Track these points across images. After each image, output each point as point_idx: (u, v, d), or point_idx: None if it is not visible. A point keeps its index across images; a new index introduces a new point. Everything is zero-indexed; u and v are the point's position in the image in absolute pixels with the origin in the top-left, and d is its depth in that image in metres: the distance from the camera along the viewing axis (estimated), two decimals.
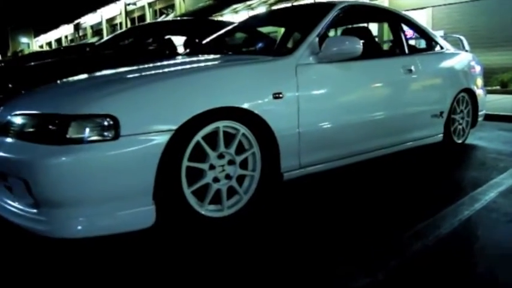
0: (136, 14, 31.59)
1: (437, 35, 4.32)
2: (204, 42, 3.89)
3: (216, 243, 2.09)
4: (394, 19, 3.71)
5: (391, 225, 2.28)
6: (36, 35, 52.10)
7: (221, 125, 2.26)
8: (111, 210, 1.98)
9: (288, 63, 2.59)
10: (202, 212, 2.23)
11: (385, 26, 10.61)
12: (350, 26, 3.83)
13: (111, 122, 1.93)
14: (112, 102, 1.98)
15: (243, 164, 2.41)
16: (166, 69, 2.35)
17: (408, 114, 3.38)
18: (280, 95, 2.46)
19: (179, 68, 2.42)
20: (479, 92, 4.46)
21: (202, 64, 2.48)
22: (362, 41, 2.74)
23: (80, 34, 41.80)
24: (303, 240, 2.11)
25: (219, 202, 2.33)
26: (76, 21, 41.03)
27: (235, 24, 4.06)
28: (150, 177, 2.01)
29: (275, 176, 2.56)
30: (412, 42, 5.66)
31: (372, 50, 3.48)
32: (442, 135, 3.94)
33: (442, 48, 4.14)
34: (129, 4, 30.99)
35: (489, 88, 10.04)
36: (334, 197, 2.78)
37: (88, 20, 39.06)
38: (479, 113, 4.49)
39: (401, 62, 3.39)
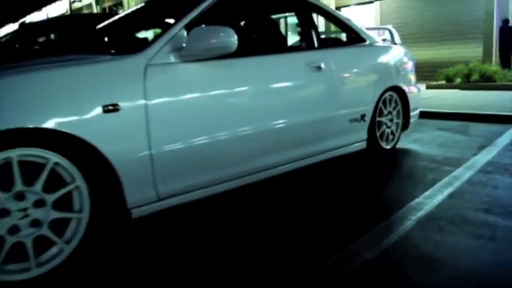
0: (84, 12, 30.13)
1: (362, 26, 3.77)
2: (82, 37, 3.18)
3: None
4: (302, 7, 3.09)
5: None
6: None
7: (14, 154, 1.58)
8: None
9: (131, 64, 1.92)
10: None
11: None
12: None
13: None
14: None
15: (67, 204, 1.75)
16: None
17: (315, 121, 2.79)
18: (115, 107, 1.80)
19: None
20: (411, 89, 3.94)
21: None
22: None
23: None
24: None
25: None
26: (21, 20, 38.96)
27: (119, 16, 3.35)
28: None
29: (118, 214, 1.91)
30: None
31: (269, 45, 2.87)
32: (365, 141, 3.38)
33: (365, 41, 3.58)
34: (74, 1, 29.55)
35: (435, 83, 9.77)
36: (204, 231, 2.16)
37: (34, 19, 37.12)
38: (412, 114, 3.96)
39: (305, 57, 2.78)
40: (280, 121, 2.52)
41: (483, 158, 3.46)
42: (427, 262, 1.76)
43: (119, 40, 2.77)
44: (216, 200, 2.42)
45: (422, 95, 5.40)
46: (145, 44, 2.05)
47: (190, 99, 2.08)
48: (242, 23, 2.94)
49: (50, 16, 33.63)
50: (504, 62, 10.68)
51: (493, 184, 2.76)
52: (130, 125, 1.85)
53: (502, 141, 4.02)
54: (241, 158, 2.34)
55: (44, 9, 34.23)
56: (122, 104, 1.82)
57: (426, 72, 11.44)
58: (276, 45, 2.93)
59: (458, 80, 9.37)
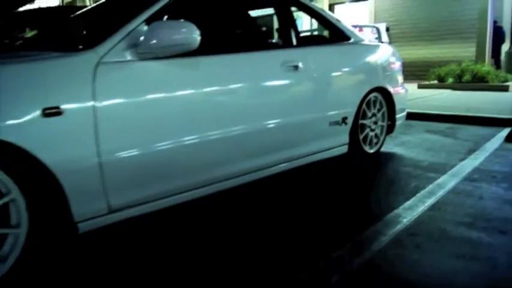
0: (77, 5, 29.81)
1: (346, 23, 3.59)
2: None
3: None
4: (279, 2, 2.90)
5: None
6: None
7: None
8: None
9: (79, 63, 1.74)
10: None
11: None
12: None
13: None
14: None
15: (3, 218, 1.57)
16: None
17: (289, 125, 2.62)
18: (57, 111, 1.62)
19: None
20: (398, 90, 3.76)
21: None
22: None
23: None
24: None
25: None
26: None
27: (83, 10, 3.10)
28: None
29: (63, 229, 1.73)
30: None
31: (240, 42, 2.68)
32: (346, 145, 3.21)
33: (349, 39, 3.40)
34: None
35: (426, 82, 9.65)
36: (151, 248, 1.99)
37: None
38: (397, 116, 3.79)
39: (281, 56, 2.60)
40: (250, 125, 2.35)
41: (470, 164, 3.30)
42: (400, 286, 1.60)
43: (75, 35, 2.58)
44: (174, 209, 2.25)
45: (412, 95, 5.28)
46: (98, 39, 1.86)
47: (147, 102, 1.90)
48: (212, 19, 2.74)
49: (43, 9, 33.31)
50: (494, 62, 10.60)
51: (478, 194, 2.60)
52: (75, 130, 1.67)
53: (490, 146, 3.87)
54: (205, 165, 2.17)
55: (36, 1, 33.88)
56: (64, 107, 1.63)
57: (419, 72, 11.32)
58: (248, 42, 2.74)
59: (450, 80, 9.23)
